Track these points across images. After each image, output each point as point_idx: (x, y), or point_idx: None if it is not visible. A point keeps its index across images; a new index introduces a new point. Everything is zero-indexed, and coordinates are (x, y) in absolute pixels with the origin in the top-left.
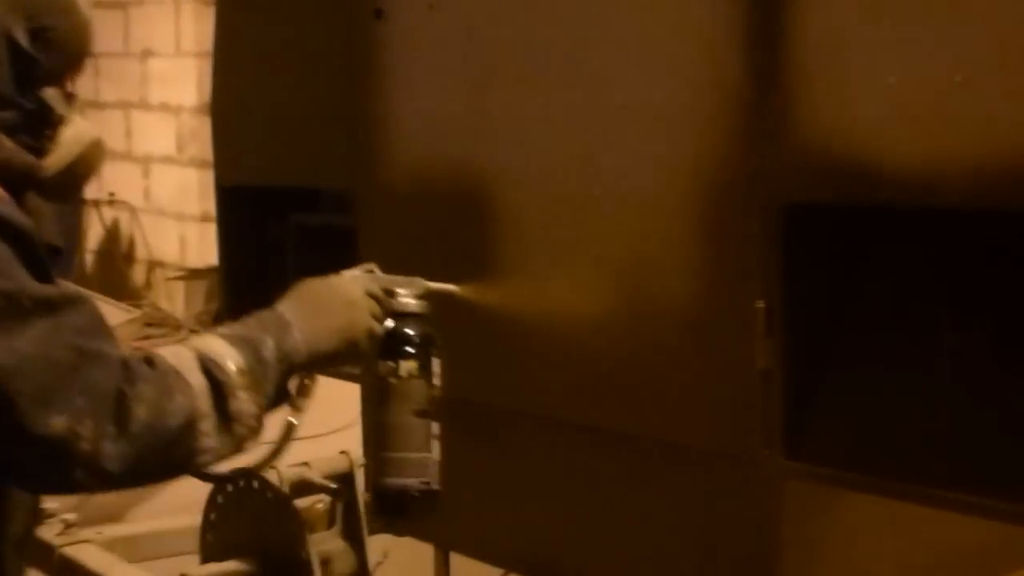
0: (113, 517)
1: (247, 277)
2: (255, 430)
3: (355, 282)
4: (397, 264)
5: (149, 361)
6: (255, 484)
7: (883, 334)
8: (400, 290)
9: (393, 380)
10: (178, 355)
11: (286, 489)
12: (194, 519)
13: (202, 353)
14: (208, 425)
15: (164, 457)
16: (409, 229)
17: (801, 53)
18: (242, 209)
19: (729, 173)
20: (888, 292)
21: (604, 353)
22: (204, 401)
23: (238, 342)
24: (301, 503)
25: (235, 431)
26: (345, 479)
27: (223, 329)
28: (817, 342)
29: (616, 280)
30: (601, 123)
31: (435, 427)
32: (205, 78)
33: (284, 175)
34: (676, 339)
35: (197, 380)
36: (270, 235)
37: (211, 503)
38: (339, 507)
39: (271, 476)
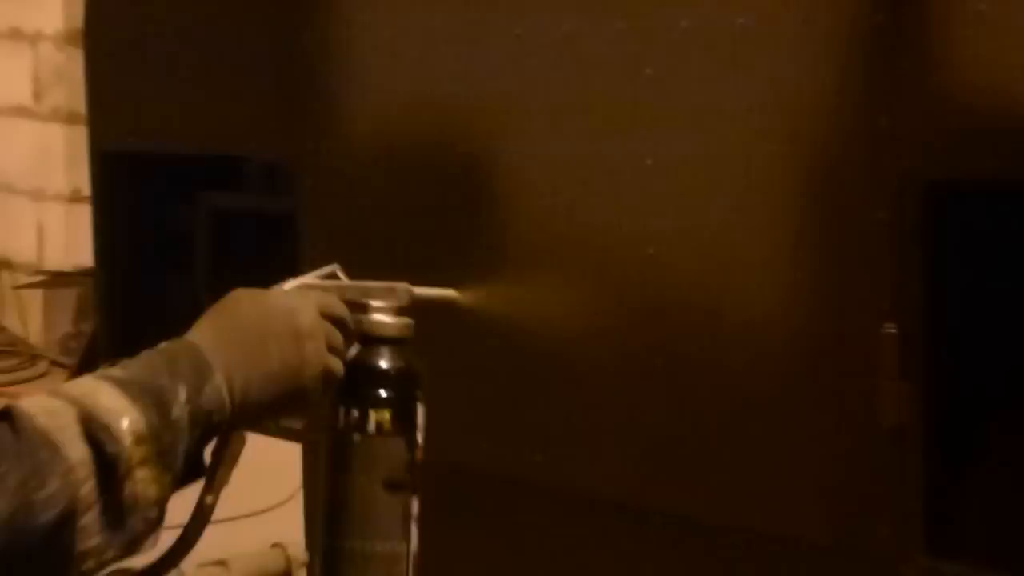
0: None
1: (137, 285)
2: (156, 522)
3: (305, 299)
4: (356, 266)
5: (8, 420)
6: None
7: None
8: (375, 303)
9: (357, 437)
10: (51, 413)
11: None
12: None
13: (86, 410)
14: (92, 519)
15: (29, 566)
16: (376, 216)
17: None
18: (130, 185)
19: (845, 138)
20: None
21: (661, 402)
22: (87, 486)
23: (137, 393)
24: None
25: (129, 525)
26: None
27: (115, 371)
28: (972, 386)
29: (676, 295)
30: (654, 65)
31: (414, 504)
32: None
33: (192, 138)
34: (766, 383)
35: (78, 453)
36: (172, 222)
37: None
38: None
39: None
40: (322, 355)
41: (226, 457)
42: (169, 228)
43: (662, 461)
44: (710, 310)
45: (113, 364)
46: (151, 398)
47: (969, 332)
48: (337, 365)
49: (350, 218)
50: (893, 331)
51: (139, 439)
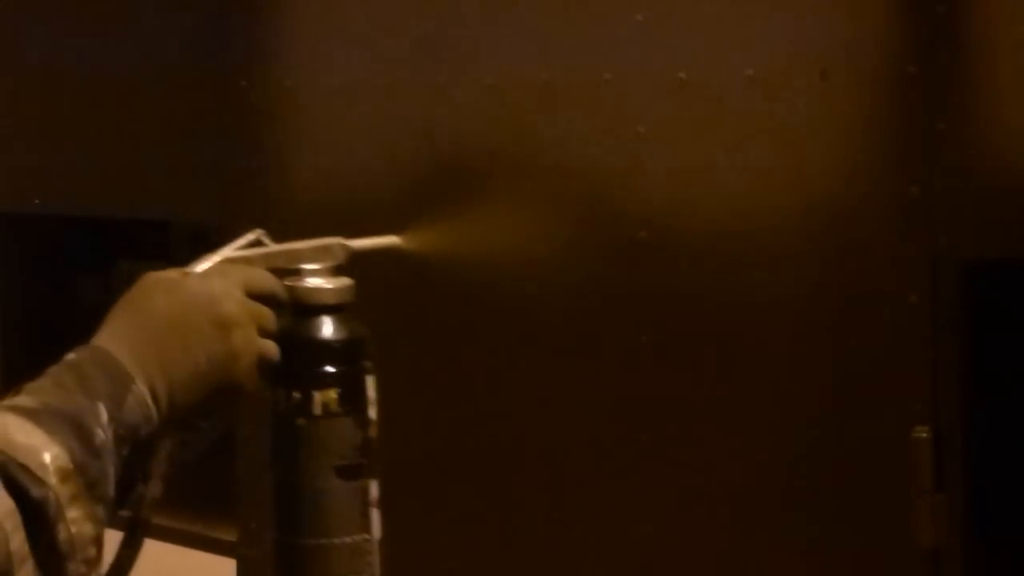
0: None
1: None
2: (96, 559)
3: (226, 280)
4: None
5: None
6: None
7: None
8: (307, 266)
9: (301, 421)
10: None
11: None
12: None
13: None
14: (28, 575)
15: None
16: None
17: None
18: (31, 251)
19: (870, 210)
20: None
21: (683, 521)
22: (17, 539)
23: (53, 423)
24: None
25: (70, 571)
26: None
27: (23, 400)
28: (1019, 499)
29: (684, 393)
30: (646, 123)
31: (373, 489)
32: None
33: (107, 200)
34: (787, 501)
35: (1, 504)
36: (84, 294)
37: None
38: None
39: None
40: (252, 342)
41: (156, 469)
42: (80, 302)
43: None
44: (729, 404)
45: (16, 391)
46: (69, 426)
47: (1015, 435)
48: (271, 348)
49: None
50: (926, 435)
51: (64, 475)
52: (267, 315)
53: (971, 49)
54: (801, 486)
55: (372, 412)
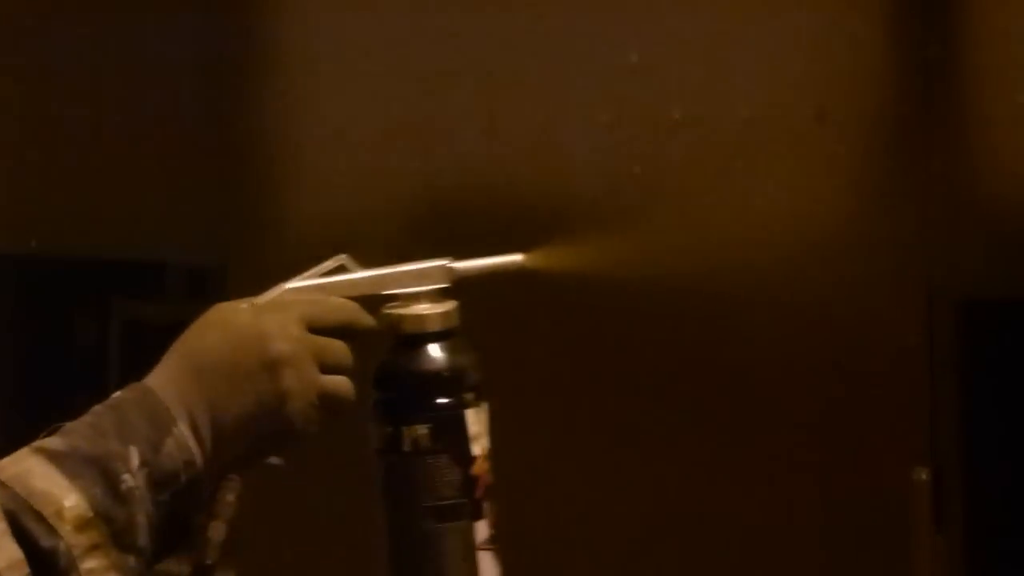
0: None
1: (35, 406)
2: None
3: (283, 316)
4: None
5: None
6: None
7: None
8: (404, 291)
9: (392, 458)
10: None
11: None
12: None
13: (16, 499)
14: None
15: None
16: None
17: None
18: (27, 291)
19: (864, 248)
20: None
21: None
22: None
23: (78, 467)
24: None
25: None
26: None
27: (54, 442)
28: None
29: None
30: (642, 163)
31: (480, 530)
32: None
33: (104, 240)
34: (782, 533)
35: (8, 555)
36: (76, 337)
37: None
38: None
39: None
40: (309, 381)
41: (217, 510)
42: (72, 345)
43: None
44: (715, 460)
45: (52, 430)
46: (94, 471)
47: (1015, 476)
48: (339, 385)
49: None
50: (925, 477)
51: (82, 524)
52: (333, 349)
53: (966, 90)
54: (799, 527)
55: (476, 448)
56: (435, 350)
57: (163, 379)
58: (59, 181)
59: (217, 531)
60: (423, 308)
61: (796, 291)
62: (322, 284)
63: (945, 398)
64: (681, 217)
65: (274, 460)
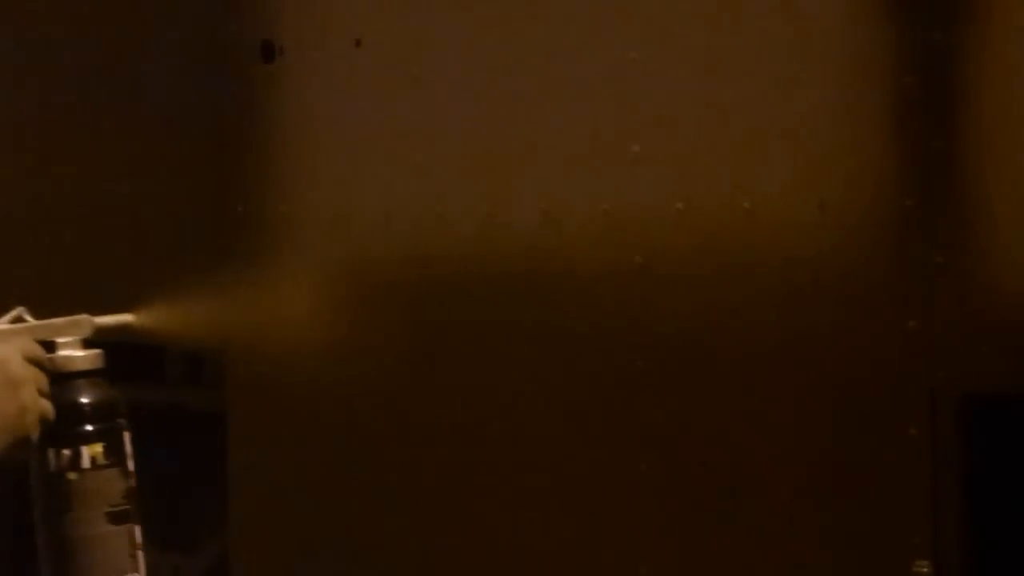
0: None
1: None
2: None
3: (10, 346)
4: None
5: None
6: None
7: None
8: (61, 339)
9: (73, 475)
10: None
11: None
12: None
13: None
14: None
15: None
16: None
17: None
18: None
19: (867, 343)
20: None
21: None
22: None
23: None
24: None
25: None
26: None
27: None
28: None
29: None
30: (643, 253)
31: (137, 533)
32: None
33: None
34: None
35: None
36: None
37: None
38: None
39: None
40: (36, 400)
41: None
42: None
43: None
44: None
45: None
46: None
47: (1018, 568)
48: (49, 408)
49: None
50: (926, 570)
51: None
52: (43, 377)
53: (969, 183)
54: None
55: (131, 464)
56: (101, 383)
57: None
58: (59, 267)
59: None
60: (86, 351)
61: (799, 383)
62: (13, 328)
63: (946, 491)
64: (683, 305)
65: None
